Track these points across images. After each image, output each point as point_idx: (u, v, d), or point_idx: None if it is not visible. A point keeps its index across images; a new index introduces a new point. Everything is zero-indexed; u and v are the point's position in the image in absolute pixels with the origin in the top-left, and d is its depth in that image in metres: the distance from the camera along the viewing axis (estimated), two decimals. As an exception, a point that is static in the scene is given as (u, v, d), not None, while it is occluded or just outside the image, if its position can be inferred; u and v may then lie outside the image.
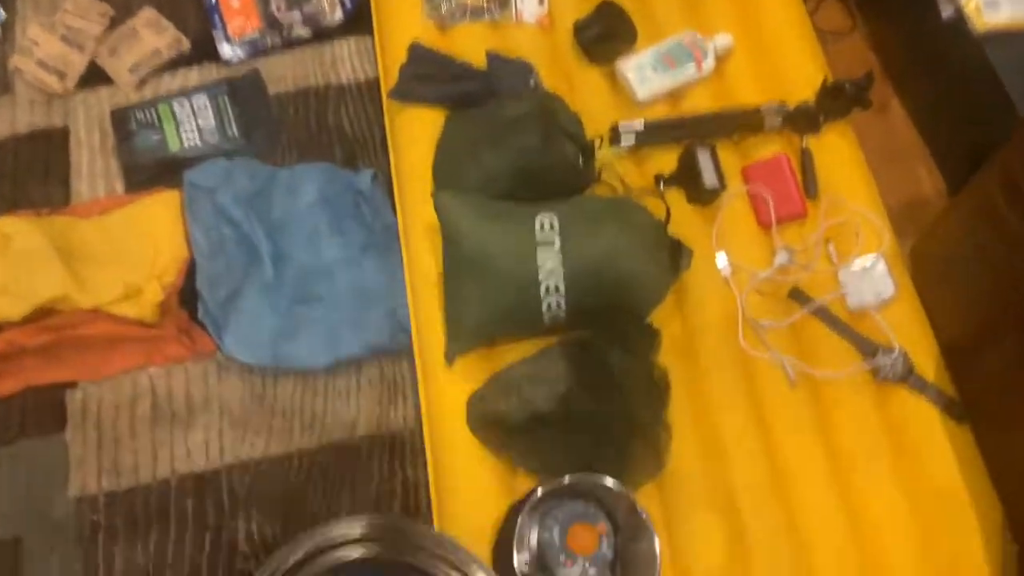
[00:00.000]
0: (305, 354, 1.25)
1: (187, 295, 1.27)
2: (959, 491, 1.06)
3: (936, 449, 1.09)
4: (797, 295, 1.19)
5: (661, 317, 1.16)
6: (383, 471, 1.18)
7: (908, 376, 1.12)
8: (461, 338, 1.10)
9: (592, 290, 1.06)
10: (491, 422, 1.07)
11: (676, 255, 1.11)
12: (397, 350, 1.23)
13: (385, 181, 1.33)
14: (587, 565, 0.97)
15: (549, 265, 1.04)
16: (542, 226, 1.06)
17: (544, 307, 1.06)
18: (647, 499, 1.05)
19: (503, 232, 1.08)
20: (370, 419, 1.21)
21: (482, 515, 1.05)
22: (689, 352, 1.16)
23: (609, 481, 0.97)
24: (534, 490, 0.98)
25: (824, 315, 1.17)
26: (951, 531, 1.05)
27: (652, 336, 1.11)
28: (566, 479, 0.97)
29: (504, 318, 1.08)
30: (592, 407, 1.03)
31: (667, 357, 1.13)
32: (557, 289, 1.05)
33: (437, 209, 1.13)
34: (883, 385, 1.13)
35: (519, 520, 0.94)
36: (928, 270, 1.20)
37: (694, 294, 1.19)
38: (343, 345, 1.24)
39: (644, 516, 0.96)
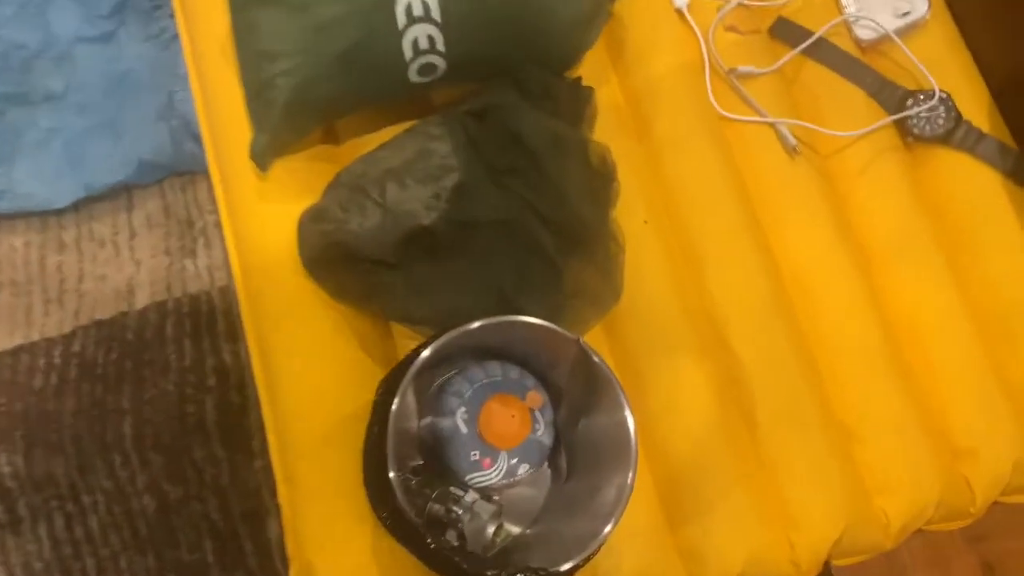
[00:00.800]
0: (35, 187, 0.77)
1: None
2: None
3: (999, 229, 0.76)
4: (784, 28, 0.80)
5: (592, 73, 0.75)
6: (183, 358, 0.75)
7: (954, 129, 0.77)
8: (274, 120, 0.66)
9: (486, 22, 0.63)
10: (339, 253, 0.64)
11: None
12: (184, 167, 0.78)
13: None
14: (514, 462, 0.60)
15: (408, -27, 0.60)
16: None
17: (408, 51, 0.63)
18: (597, 339, 0.68)
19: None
20: (155, 279, 0.78)
21: (342, 402, 0.65)
22: (638, 122, 0.76)
23: (538, 321, 0.58)
24: (417, 350, 0.58)
25: (825, 53, 0.79)
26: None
27: (582, 97, 0.70)
28: (470, 326, 0.57)
29: (341, 75, 0.63)
30: (499, 209, 0.63)
31: (605, 132, 0.73)
32: (427, 16, 0.61)
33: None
34: (918, 147, 0.78)
35: (395, 402, 0.55)
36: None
37: (638, 37, 0.77)
38: (97, 167, 0.77)
39: (603, 368, 0.59)
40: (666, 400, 0.68)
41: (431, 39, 0.62)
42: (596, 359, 0.59)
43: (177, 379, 0.75)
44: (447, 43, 0.63)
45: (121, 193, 0.78)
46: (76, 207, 0.77)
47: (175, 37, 0.75)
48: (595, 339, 0.69)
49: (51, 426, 0.73)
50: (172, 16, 0.79)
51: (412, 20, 0.61)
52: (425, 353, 0.56)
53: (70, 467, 0.72)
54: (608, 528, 0.55)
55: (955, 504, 0.71)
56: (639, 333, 0.70)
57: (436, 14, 0.61)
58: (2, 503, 0.71)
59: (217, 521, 0.72)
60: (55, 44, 0.79)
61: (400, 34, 0.61)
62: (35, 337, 0.75)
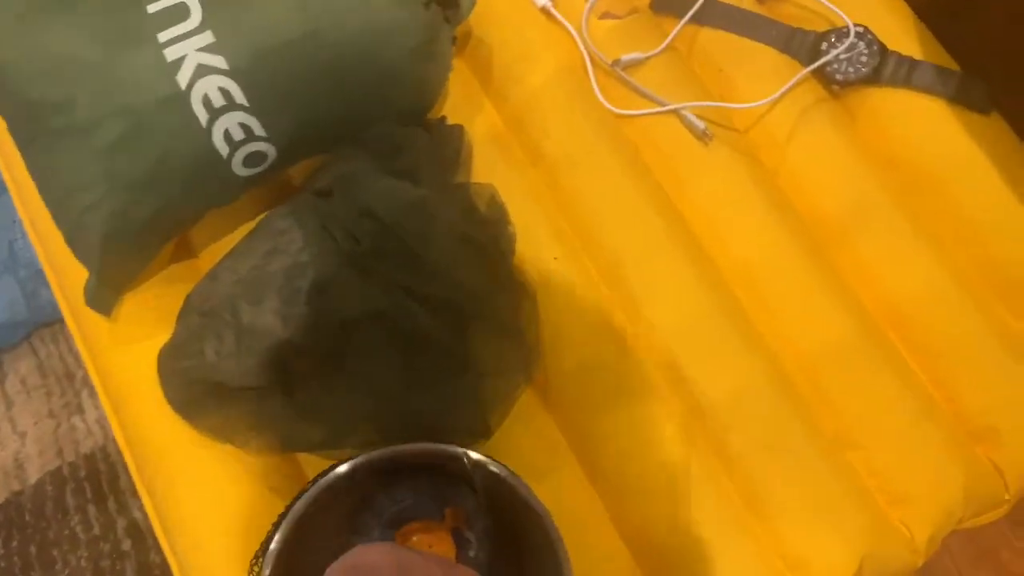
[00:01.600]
0: None
1: None
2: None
3: (961, 164, 0.65)
4: (664, 1, 0.70)
5: (462, 105, 0.66)
6: (90, 526, 0.67)
7: (881, 65, 0.66)
8: (97, 260, 0.57)
9: (303, 91, 0.54)
10: (206, 390, 0.55)
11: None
12: (47, 317, 0.69)
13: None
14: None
15: (191, 56, 0.51)
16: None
17: (222, 146, 0.53)
18: (530, 405, 0.59)
19: (79, 27, 0.52)
20: (43, 447, 0.69)
21: (251, 545, 0.55)
22: (525, 146, 0.66)
23: (409, 447, 0.49)
24: (315, 481, 0.49)
25: (718, 15, 0.69)
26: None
27: (451, 138, 0.61)
28: (339, 470, 0.48)
29: (155, 194, 0.54)
30: (367, 300, 0.53)
31: (488, 168, 0.64)
32: (232, 103, 0.52)
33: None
34: (847, 93, 0.68)
35: (276, 538, 0.45)
36: None
37: (505, 50, 0.68)
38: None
39: (513, 483, 0.49)
40: (625, 455, 0.58)
41: (245, 127, 0.53)
42: (494, 467, 0.49)
43: (89, 552, 0.66)
44: (266, 126, 0.54)
45: (-15, 361, 0.70)
46: (-59, 389, 0.69)
47: (3, 187, 0.66)
48: (528, 405, 0.60)
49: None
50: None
51: (216, 113, 0.52)
52: (284, 526, 0.46)
53: None
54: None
55: (986, 494, 0.61)
56: (576, 385, 0.60)
57: (241, 99, 0.52)
58: None
59: None
60: None
61: (207, 131, 0.52)
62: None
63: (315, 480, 0.47)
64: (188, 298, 0.57)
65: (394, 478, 0.51)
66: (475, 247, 0.55)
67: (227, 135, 0.53)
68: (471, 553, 0.51)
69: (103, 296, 0.58)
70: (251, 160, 0.55)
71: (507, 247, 0.58)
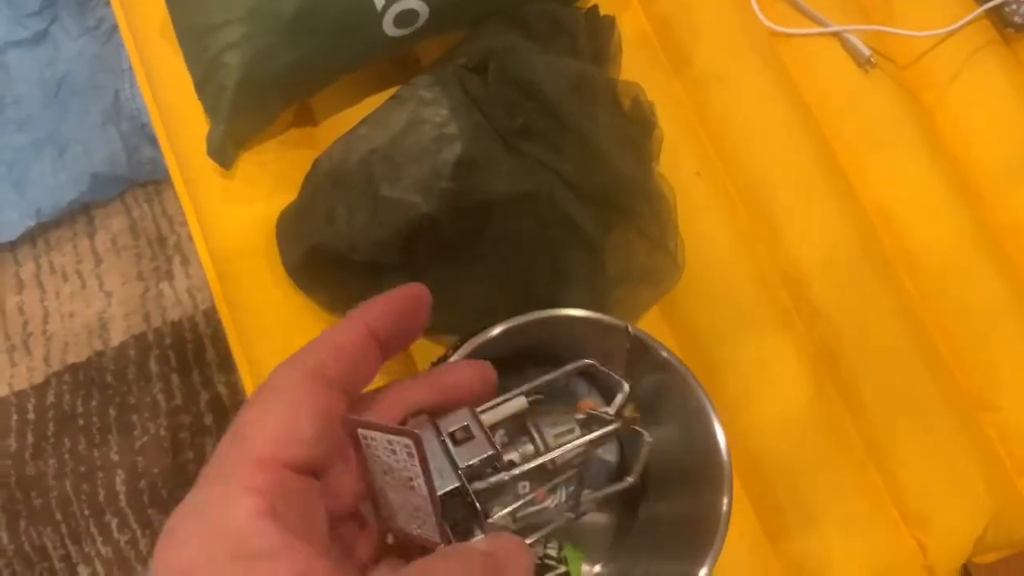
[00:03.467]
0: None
1: None
2: None
3: None
4: (837, -83, 0.66)
5: (603, 4, 0.62)
6: (172, 396, 0.64)
7: (1065, 10, 0.62)
8: (228, 107, 0.53)
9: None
10: (327, 258, 0.52)
11: None
12: (145, 175, 0.66)
13: None
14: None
15: None
16: None
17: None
18: (656, 322, 0.56)
19: None
20: (129, 310, 0.67)
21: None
22: (671, 54, 0.63)
23: (575, 312, 0.46)
24: (444, 357, 0.46)
25: (892, -60, 0.65)
26: None
27: (602, 29, 0.57)
28: (491, 332, 0.45)
29: (301, 39, 0.51)
30: (517, 182, 0.50)
31: (632, 70, 0.60)
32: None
33: None
34: (1021, 39, 0.64)
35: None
36: None
37: (659, -51, 0.64)
38: (45, 188, 0.66)
39: (671, 362, 0.46)
40: (747, 386, 0.56)
41: (406, -19, 0.49)
42: (664, 352, 0.46)
43: (169, 422, 0.64)
44: (428, -15, 0.50)
45: (79, 215, 0.67)
46: (31, 237, 0.66)
47: (114, 27, 0.62)
48: (651, 323, 0.57)
49: (34, 492, 0.63)
50: (108, 3, 0.67)
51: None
52: (451, 359, 0.44)
53: (61, 536, 0.62)
54: (704, 572, 0.43)
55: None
56: (705, 310, 0.57)
57: (409, -53, 0.48)
58: (-9, 586, 0.62)
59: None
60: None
61: (367, -17, 0.49)
62: (3, 392, 0.65)
63: (458, 344, 0.44)
64: (317, 161, 0.54)
65: (526, 361, 0.49)
66: (628, 139, 0.52)
67: (386, -8, 0.49)
68: (598, 450, 0.48)
69: (227, 148, 0.55)
70: (402, 19, 0.52)
71: (655, 149, 0.55)
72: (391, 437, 0.30)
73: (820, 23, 0.62)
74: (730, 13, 0.62)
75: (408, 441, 0.29)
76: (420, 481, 0.31)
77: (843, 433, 0.56)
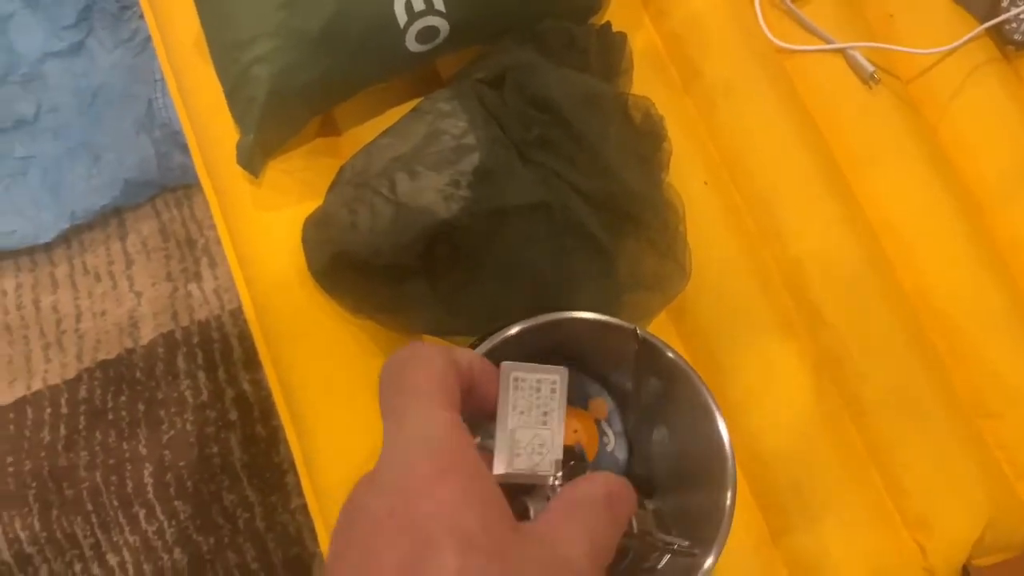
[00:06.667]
0: (16, 223, 0.70)
1: None
2: None
3: None
4: (843, -63, 0.68)
5: (621, 18, 0.64)
6: (199, 392, 0.67)
7: (1064, 29, 0.64)
8: (257, 117, 0.56)
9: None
10: (351, 262, 0.55)
11: None
12: (176, 180, 0.69)
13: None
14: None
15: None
16: None
17: (402, 15, 0.53)
18: (664, 328, 0.58)
19: None
20: (159, 309, 0.69)
21: (379, 429, 0.56)
22: (681, 69, 0.65)
23: (588, 314, 0.48)
24: (482, 340, 0.49)
25: (897, -40, 0.67)
26: None
27: (615, 45, 0.60)
28: (509, 331, 0.47)
29: (326, 54, 0.54)
30: (532, 191, 0.52)
31: (644, 86, 0.62)
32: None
33: None
34: (1021, 57, 0.66)
35: None
36: None
37: (669, -31, 0.66)
38: (80, 193, 0.69)
39: (677, 363, 0.49)
40: (753, 388, 0.58)
41: (428, 2, 0.52)
42: (670, 353, 0.48)
43: (195, 417, 0.67)
44: (446, 1, 0.53)
45: (111, 218, 0.70)
46: (65, 239, 0.69)
47: (148, 39, 0.66)
48: (660, 327, 0.59)
49: (66, 483, 0.66)
50: (142, 16, 0.70)
51: (405, -16, 0.51)
52: None
53: (91, 525, 0.65)
54: (709, 562, 0.45)
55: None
56: (712, 314, 0.59)
57: (432, -30, 0.51)
58: (23, 571, 0.64)
59: (257, 572, 0.65)
60: (21, 64, 0.70)
61: (391, 3, 0.51)
62: (37, 386, 0.68)
63: (476, 343, 0.47)
64: (342, 169, 0.57)
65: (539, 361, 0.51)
66: (639, 152, 0.54)
67: (408, 4, 0.52)
68: (608, 448, 0.50)
69: (255, 157, 0.57)
70: (424, 35, 0.54)
71: (664, 161, 0.57)
72: (540, 376, 0.36)
73: (825, 40, 0.64)
74: (738, 30, 0.65)
75: (555, 377, 0.36)
76: (556, 414, 0.36)
77: (845, 436, 0.58)
